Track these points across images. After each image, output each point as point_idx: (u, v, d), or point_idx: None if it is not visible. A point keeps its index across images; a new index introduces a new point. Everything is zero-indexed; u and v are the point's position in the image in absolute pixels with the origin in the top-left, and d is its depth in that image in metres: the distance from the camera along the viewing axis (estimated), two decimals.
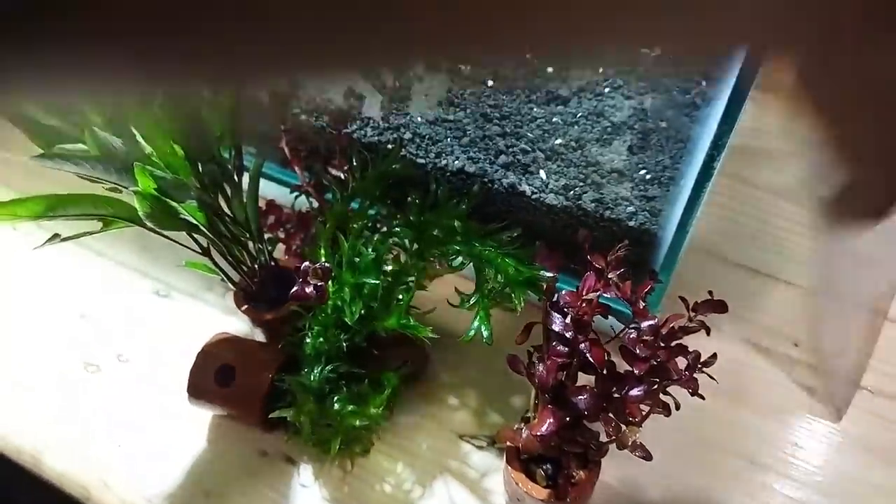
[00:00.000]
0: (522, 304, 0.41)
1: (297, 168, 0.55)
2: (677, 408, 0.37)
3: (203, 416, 0.54)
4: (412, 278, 0.45)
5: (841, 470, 0.50)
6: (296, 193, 0.56)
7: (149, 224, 0.43)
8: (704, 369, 0.36)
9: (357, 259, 0.46)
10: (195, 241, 0.48)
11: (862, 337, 0.55)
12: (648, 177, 0.49)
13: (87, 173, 0.38)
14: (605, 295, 0.37)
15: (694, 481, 0.50)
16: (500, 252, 0.42)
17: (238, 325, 0.59)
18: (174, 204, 0.44)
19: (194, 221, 0.46)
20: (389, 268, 0.45)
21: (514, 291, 0.41)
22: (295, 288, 0.41)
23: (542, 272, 0.41)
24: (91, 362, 0.58)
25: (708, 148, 0.43)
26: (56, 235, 0.42)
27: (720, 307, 0.40)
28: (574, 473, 0.42)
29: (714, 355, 0.36)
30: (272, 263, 0.53)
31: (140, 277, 0.63)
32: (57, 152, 0.35)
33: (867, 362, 0.54)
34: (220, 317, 0.61)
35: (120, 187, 0.41)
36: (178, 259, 0.48)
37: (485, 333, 0.42)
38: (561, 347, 0.37)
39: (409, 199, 0.46)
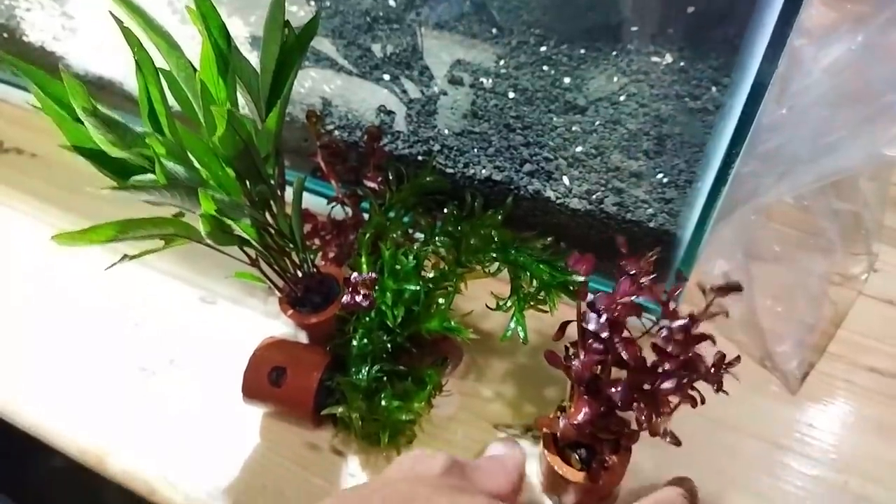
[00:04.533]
0: (556, 307, 0.45)
1: (332, 181, 0.59)
2: (702, 401, 0.41)
3: (253, 414, 0.58)
4: (451, 283, 0.48)
5: (855, 448, 0.53)
6: (332, 204, 0.60)
7: (208, 241, 0.46)
8: (729, 370, 0.39)
9: (398, 267, 0.49)
10: (245, 252, 0.52)
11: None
12: (665, 180, 0.52)
13: (156, 200, 0.41)
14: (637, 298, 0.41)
15: (717, 462, 0.53)
16: (535, 258, 0.45)
17: (280, 327, 0.62)
18: (230, 222, 0.47)
19: (246, 236, 0.50)
20: (430, 275, 0.48)
21: (549, 294, 0.44)
22: (345, 298, 0.44)
23: (574, 276, 0.44)
24: (146, 367, 0.62)
25: (724, 152, 0.46)
26: (125, 256, 0.46)
27: (736, 288, 0.43)
28: (607, 458, 0.46)
29: (738, 357, 0.40)
30: (314, 270, 0.57)
31: (186, 286, 0.67)
32: (132, 184, 0.39)
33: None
34: (262, 320, 0.65)
35: (183, 210, 0.45)
36: (221, 267, 0.52)
37: (521, 334, 0.46)
38: (597, 345, 0.41)
39: (446, 210, 0.49)
